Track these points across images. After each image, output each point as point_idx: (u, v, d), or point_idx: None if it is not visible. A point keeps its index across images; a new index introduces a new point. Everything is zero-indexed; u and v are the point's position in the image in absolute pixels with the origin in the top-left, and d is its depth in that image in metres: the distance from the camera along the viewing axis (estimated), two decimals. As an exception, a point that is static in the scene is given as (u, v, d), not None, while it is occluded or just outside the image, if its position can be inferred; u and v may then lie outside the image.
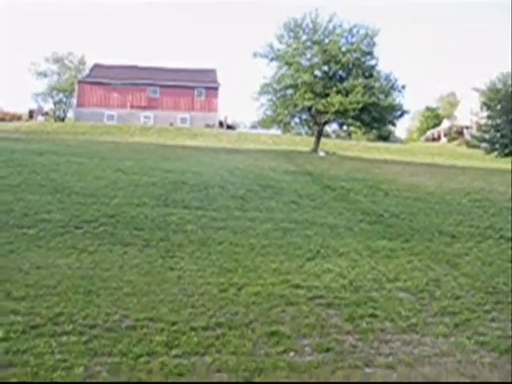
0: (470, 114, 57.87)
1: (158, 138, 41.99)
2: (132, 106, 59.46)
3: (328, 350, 7.84)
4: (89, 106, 59.00)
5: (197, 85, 60.62)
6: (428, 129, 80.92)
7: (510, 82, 42.98)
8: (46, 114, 67.09)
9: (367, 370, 7.42)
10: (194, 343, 7.66)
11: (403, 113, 37.61)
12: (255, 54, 37.37)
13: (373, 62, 37.16)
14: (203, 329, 8.15)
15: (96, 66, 64.30)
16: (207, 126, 56.62)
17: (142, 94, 59.85)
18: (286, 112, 36.50)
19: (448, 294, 10.18)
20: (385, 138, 64.98)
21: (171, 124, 55.91)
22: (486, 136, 44.21)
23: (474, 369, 7.63)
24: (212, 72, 63.48)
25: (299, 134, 56.14)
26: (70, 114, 67.40)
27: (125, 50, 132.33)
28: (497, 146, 42.74)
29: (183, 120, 59.15)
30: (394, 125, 40.43)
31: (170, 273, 10.39)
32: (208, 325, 8.29)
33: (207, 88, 60.93)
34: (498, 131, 42.80)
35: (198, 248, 11.87)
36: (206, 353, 7.48)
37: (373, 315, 9.04)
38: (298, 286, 9.99)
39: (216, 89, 61.42)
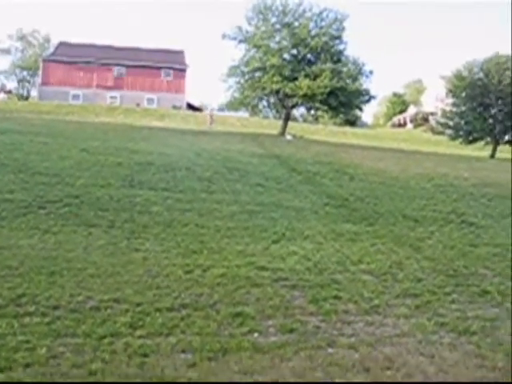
0: (435, 100, 58.67)
1: (124, 118, 41.51)
2: (98, 86, 58.56)
3: (292, 330, 7.94)
4: (53, 85, 57.87)
5: (164, 65, 59.97)
6: (394, 114, 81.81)
7: (475, 70, 43.59)
8: (9, 92, 65.68)
9: (330, 350, 7.54)
10: (158, 324, 7.67)
11: (370, 98, 37.94)
12: (224, 36, 37.15)
13: (341, 47, 37.34)
14: (168, 310, 8.16)
15: (61, 44, 62.99)
16: (175, 107, 56.12)
17: (109, 73, 58.96)
18: (253, 95, 36.47)
19: (410, 277, 10.38)
20: (352, 122, 65.43)
21: (138, 104, 55.27)
22: (451, 123, 44.83)
23: (434, 349, 7.82)
24: (180, 53, 62.84)
25: (267, 117, 56.17)
26: (34, 93, 66.06)
27: (92, 29, 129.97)
28: (461, 132, 43.41)
29: (150, 101, 58.52)
30: (360, 110, 40.79)
31: (135, 254, 10.35)
32: (173, 306, 8.30)
33: (175, 69, 60.34)
34: (463, 118, 43.45)
35: (164, 229, 11.83)
36: (170, 333, 7.49)
37: (336, 297, 9.17)
38: (263, 268, 10.06)
39: (184, 70, 60.87)
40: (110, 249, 10.48)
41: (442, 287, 10.10)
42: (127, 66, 59.33)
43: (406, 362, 7.39)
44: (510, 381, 6.38)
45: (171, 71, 60.19)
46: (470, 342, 8.16)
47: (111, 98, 58.23)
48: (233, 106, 38.39)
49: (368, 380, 6.85)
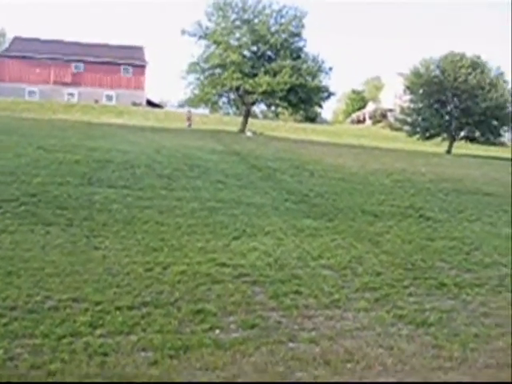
0: (394, 97, 59.54)
1: (82, 115, 40.88)
2: (55, 82, 57.49)
3: (253, 326, 7.98)
4: (9, 81, 56.56)
5: (123, 62, 59.27)
6: (353, 111, 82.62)
7: (431, 67, 44.38)
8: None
9: (291, 344, 7.61)
10: (118, 322, 7.61)
11: (330, 94, 38.27)
12: (183, 32, 36.93)
13: (301, 44, 37.54)
14: (128, 308, 8.10)
15: (16, 39, 61.54)
16: (134, 104, 55.55)
17: (66, 69, 57.94)
18: (213, 91, 36.36)
19: (369, 271, 10.55)
20: (312, 119, 65.80)
21: (96, 101, 54.49)
22: (409, 119, 45.58)
23: (392, 341, 7.98)
24: (139, 49, 62.17)
25: (227, 113, 56.02)
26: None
27: (49, 24, 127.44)
28: (418, 129, 44.18)
29: (109, 97, 57.79)
30: (320, 106, 41.10)
31: (94, 252, 10.23)
32: (133, 304, 8.25)
33: (134, 65, 59.70)
34: (420, 115, 44.22)
35: (124, 227, 11.72)
36: (131, 332, 7.45)
37: (297, 292, 9.25)
38: (223, 265, 10.07)
39: (143, 66, 60.29)
40: (68, 247, 10.33)
41: (401, 280, 10.30)
42: (85, 62, 58.42)
43: (365, 354, 7.51)
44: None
45: (130, 68, 59.53)
46: (428, 333, 8.35)
47: (69, 94, 57.28)
48: (193, 102, 38.18)
49: (328, 373, 6.95)
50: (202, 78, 36.96)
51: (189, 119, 39.96)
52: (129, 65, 59.46)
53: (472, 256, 12.33)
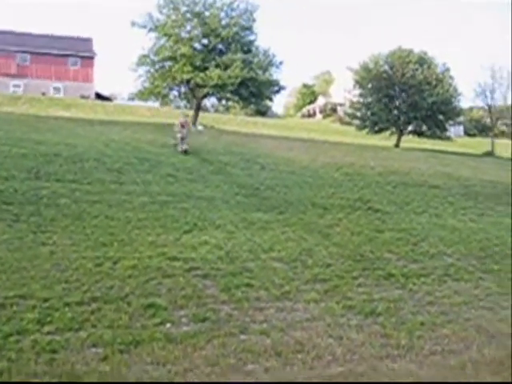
0: (344, 91, 60.21)
1: (28, 108, 39.83)
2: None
3: (204, 319, 8.00)
4: (-50, 73, 54.59)
5: (71, 53, 57.86)
6: (304, 105, 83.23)
7: (380, 62, 45.08)
8: None
9: (242, 337, 7.67)
10: (67, 319, 7.51)
11: (280, 88, 38.35)
12: (133, 24, 36.31)
13: (252, 38, 37.47)
14: (77, 304, 8.00)
15: (-43, 29, 59.41)
16: (83, 96, 54.45)
17: (11, 60, 56.22)
18: (164, 84, 35.92)
19: (319, 263, 10.70)
20: (263, 113, 65.97)
21: (43, 94, 53.15)
22: (358, 113, 46.18)
23: (342, 331, 8.15)
24: (88, 41, 60.84)
25: (178, 107, 55.62)
26: None
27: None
28: (368, 123, 44.83)
29: (56, 90, 56.40)
30: (271, 100, 41.20)
31: (41, 248, 10.02)
32: (82, 300, 8.15)
33: (82, 57, 58.36)
34: (369, 109, 44.87)
35: (72, 222, 11.51)
36: (80, 328, 7.37)
37: (248, 285, 9.32)
38: (174, 259, 10.04)
39: (92, 58, 59.02)
40: (15, 243, 10.08)
41: (350, 272, 10.49)
42: (31, 53, 56.79)
43: (315, 344, 7.64)
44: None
45: (79, 59, 58.17)
46: (376, 322, 8.56)
47: (14, 86, 55.60)
48: (143, 95, 37.62)
49: (279, 364, 7.03)
50: (152, 70, 36.44)
51: (183, 126, 21.92)
52: (77, 56, 58.09)
53: (419, 247, 12.65)
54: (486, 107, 53.48)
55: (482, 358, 7.78)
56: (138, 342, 7.15)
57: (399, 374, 7.11)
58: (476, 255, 12.64)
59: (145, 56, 36.24)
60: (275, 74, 37.41)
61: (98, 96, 58.55)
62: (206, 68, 34.52)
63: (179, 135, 21.25)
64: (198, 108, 38.53)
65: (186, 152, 20.51)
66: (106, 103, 52.46)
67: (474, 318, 9.21)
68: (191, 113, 38.43)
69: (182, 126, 21.68)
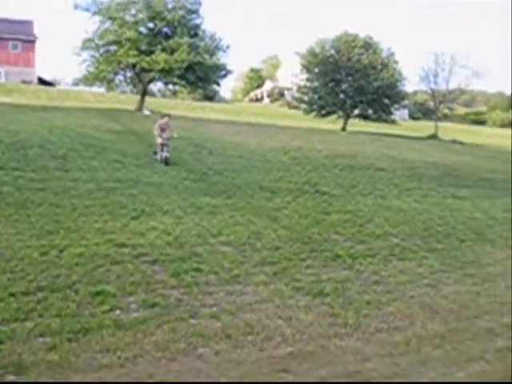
0: (291, 76, 60.45)
1: (-34, 94, 38.44)
2: None
3: (154, 305, 7.98)
4: None
5: (11, 37, 56.04)
6: (252, 89, 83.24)
7: (326, 47, 45.42)
8: None
9: (192, 321, 7.69)
10: (13, 309, 7.36)
11: (227, 73, 38.21)
12: (76, 6, 35.40)
13: (198, 21, 37.13)
14: (23, 294, 7.84)
15: None
16: (24, 82, 52.86)
17: None
18: (109, 69, 35.23)
19: (268, 246, 10.80)
20: (210, 97, 65.66)
21: (-18, 79, 51.39)
22: (305, 97, 46.52)
23: (291, 312, 8.28)
24: (28, 24, 58.96)
25: (124, 92, 54.71)
26: None
27: None
28: (315, 107, 45.22)
29: (-4, 75, 54.62)
30: (218, 84, 40.96)
31: (-16, 238, 9.75)
32: (28, 289, 7.99)
33: (23, 41, 56.63)
34: (316, 93, 45.25)
35: (16, 211, 11.21)
36: (27, 318, 7.23)
37: (197, 269, 9.33)
38: (122, 245, 9.94)
39: (33, 42, 57.31)
40: (-45, 233, 9.78)
41: (298, 254, 10.64)
42: (-32, 37, 54.79)
43: (265, 326, 7.74)
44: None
45: (19, 43, 56.37)
46: (324, 303, 8.72)
47: (-50, 71, 53.57)
48: (87, 80, 36.81)
49: (229, 346, 7.10)
50: (96, 54, 35.67)
51: (163, 129, 17.91)
52: (17, 40, 56.33)
53: (365, 228, 12.91)
54: (430, 91, 54.63)
55: (425, 333, 8.06)
56: (86, 330, 7.08)
57: (346, 351, 7.29)
58: (420, 235, 13.00)
59: (89, 40, 35.40)
60: (222, 59, 37.25)
61: (41, 81, 56.94)
62: (152, 52, 34.07)
63: (159, 140, 17.46)
64: (145, 93, 38.03)
65: (166, 161, 16.92)
66: (49, 88, 51.09)
67: (418, 295, 9.51)
68: (137, 98, 37.84)
69: (162, 129, 17.68)
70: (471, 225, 14.41)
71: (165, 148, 17.21)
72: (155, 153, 17.40)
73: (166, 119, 18.45)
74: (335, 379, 6.61)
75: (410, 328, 8.19)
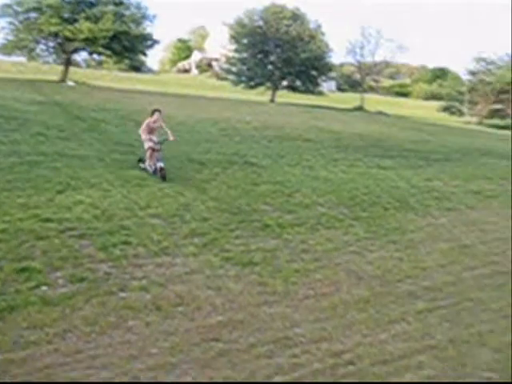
0: (219, 47, 59.98)
1: None
2: None
3: (82, 279, 7.88)
4: None
5: None
6: (180, 60, 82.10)
7: (255, 18, 45.28)
8: None
9: (122, 294, 7.66)
10: None
11: (154, 43, 37.63)
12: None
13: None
14: None
15: None
16: None
17: None
18: (29, 37, 33.95)
19: (197, 217, 10.81)
20: (137, 68, 64.23)
21: None
22: (234, 69, 46.42)
23: (220, 282, 8.38)
24: None
25: (47, 62, 52.74)
26: None
27: None
28: (243, 78, 45.21)
29: None
30: (145, 55, 40.29)
31: None
32: None
33: None
34: (245, 64, 45.24)
35: None
36: None
37: (126, 242, 9.25)
38: (48, 220, 9.68)
39: None
40: None
41: (227, 224, 10.71)
42: None
43: (195, 297, 7.82)
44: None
45: None
46: (253, 272, 8.87)
47: None
48: (6, 49, 35.34)
49: (159, 318, 7.14)
50: (16, 22, 34.21)
51: (151, 130, 13.93)
52: None
53: (293, 198, 13.11)
54: (356, 64, 55.67)
55: (350, 298, 8.36)
56: (12, 308, 6.93)
57: (275, 318, 7.49)
58: (346, 204, 13.34)
59: (7, 6, 33.85)
60: (149, 28, 36.66)
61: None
62: (76, 20, 33.03)
63: (149, 144, 13.45)
64: (68, 63, 36.89)
65: (163, 174, 12.85)
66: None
67: (344, 262, 9.81)
68: (60, 68, 36.60)
69: (151, 129, 13.72)
70: (395, 194, 14.90)
71: (156, 155, 13.34)
72: (140, 161, 13.78)
73: (155, 116, 13.91)
74: (265, 346, 6.78)
75: (336, 294, 8.47)
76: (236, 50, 46.04)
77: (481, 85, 62.15)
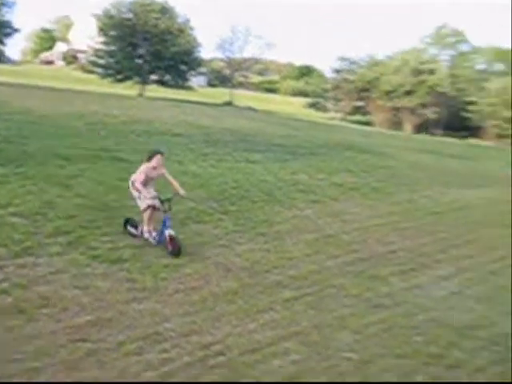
0: (87, 38, 58.04)
1: None
2: None
3: None
4: None
5: None
6: (43, 51, 78.39)
7: (123, 9, 44.27)
8: None
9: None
10: None
11: (14, 31, 35.68)
12: None
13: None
14: None
15: None
16: None
17: None
18: None
19: (62, 215, 10.42)
20: (-4, 58, 60.52)
21: None
22: (101, 61, 45.14)
23: (88, 280, 8.16)
24: None
25: None
26: None
27: None
28: (111, 71, 44.12)
29: None
30: (2, 43, 38.06)
31: None
32: None
33: None
34: (112, 57, 44.14)
35: None
36: None
37: (-19, 243, 8.72)
38: None
39: None
40: None
41: (94, 221, 10.44)
42: None
43: (61, 297, 7.57)
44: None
45: None
46: (122, 269, 8.73)
47: None
48: None
49: (22, 321, 6.83)
50: None
51: (147, 181, 10.13)
52: None
53: (161, 193, 13.02)
54: (226, 59, 56.31)
55: (219, 290, 8.49)
56: None
57: (145, 314, 7.43)
58: (215, 198, 13.50)
59: None
60: (7, 15, 34.63)
61: None
62: None
63: (147, 202, 9.89)
64: None
65: (174, 246, 9.43)
66: None
67: (213, 255, 9.93)
68: None
69: (147, 180, 10.10)
70: (263, 187, 15.29)
71: (157, 215, 9.98)
72: (128, 222, 10.24)
73: (155, 160, 10.05)
74: (134, 343, 6.72)
75: (205, 287, 8.56)
76: (104, 43, 44.79)
77: (344, 83, 65.49)
